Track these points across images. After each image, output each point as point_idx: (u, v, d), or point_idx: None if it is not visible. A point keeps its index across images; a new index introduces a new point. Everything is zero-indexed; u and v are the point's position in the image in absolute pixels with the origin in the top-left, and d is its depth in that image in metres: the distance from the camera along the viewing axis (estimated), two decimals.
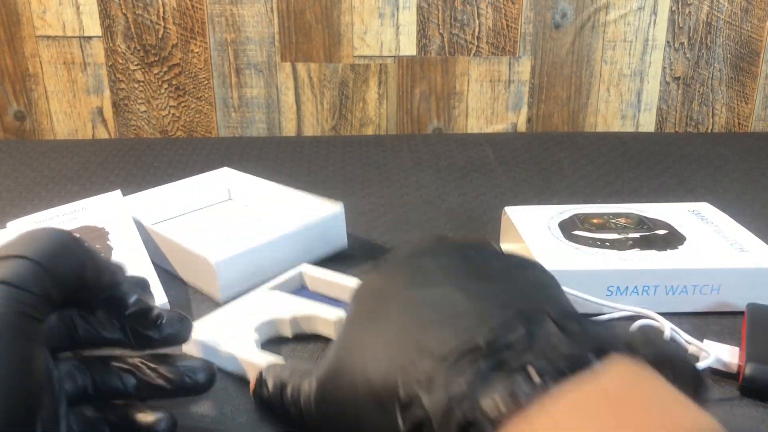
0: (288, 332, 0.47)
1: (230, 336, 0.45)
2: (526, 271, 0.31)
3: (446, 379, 0.24)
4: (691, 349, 0.45)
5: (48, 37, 0.92)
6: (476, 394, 0.23)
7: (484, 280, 0.29)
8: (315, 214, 0.59)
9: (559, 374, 0.22)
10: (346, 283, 0.51)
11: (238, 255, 0.54)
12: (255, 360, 0.42)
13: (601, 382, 0.23)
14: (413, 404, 0.24)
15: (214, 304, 0.54)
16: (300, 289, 0.54)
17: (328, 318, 0.46)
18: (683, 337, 0.48)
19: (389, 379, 0.26)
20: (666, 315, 0.49)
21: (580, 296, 0.51)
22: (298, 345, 0.47)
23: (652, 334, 0.25)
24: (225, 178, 0.72)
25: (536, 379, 0.22)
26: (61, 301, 0.31)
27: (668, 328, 0.48)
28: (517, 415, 0.22)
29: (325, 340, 0.47)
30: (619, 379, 0.23)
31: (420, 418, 0.24)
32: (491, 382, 0.23)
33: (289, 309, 0.48)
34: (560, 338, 0.24)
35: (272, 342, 0.47)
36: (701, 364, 0.46)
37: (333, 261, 0.60)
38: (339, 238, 0.61)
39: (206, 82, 0.95)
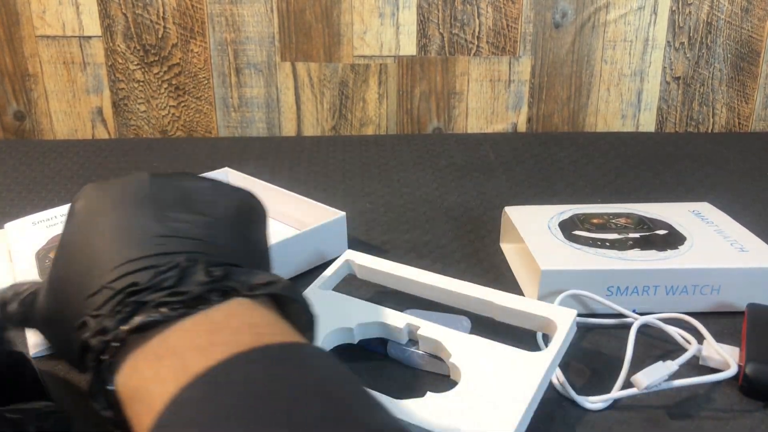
0: (354, 339, 0.47)
1: None
2: (233, 208, 0.37)
3: (109, 309, 0.30)
4: (691, 349, 0.45)
5: (48, 36, 0.92)
6: (117, 323, 0.30)
7: (188, 211, 0.35)
8: (317, 221, 0.59)
9: (185, 309, 0.30)
10: (395, 271, 0.51)
11: None
12: None
13: (211, 314, 0.30)
14: (84, 326, 0.31)
15: None
16: (348, 278, 0.54)
17: (392, 324, 0.46)
18: (715, 346, 0.48)
19: (81, 296, 0.32)
20: (666, 315, 0.49)
21: (609, 305, 0.51)
22: (364, 357, 0.47)
23: (283, 286, 0.33)
24: (225, 180, 0.72)
25: (162, 311, 0.30)
26: None
27: (704, 330, 0.48)
28: (141, 338, 0.29)
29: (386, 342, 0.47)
30: (227, 310, 0.30)
31: (84, 341, 0.31)
32: (134, 314, 0.30)
33: (351, 316, 0.47)
34: (199, 282, 0.31)
35: (337, 350, 0.47)
36: (701, 364, 0.46)
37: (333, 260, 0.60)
38: (339, 246, 0.60)
39: (206, 81, 0.95)
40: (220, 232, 0.35)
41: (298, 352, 0.28)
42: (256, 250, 0.38)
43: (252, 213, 0.39)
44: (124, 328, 0.30)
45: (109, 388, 0.30)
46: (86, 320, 0.31)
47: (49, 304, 0.35)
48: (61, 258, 0.35)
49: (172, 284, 0.31)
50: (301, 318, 0.34)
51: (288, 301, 0.34)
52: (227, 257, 0.34)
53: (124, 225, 0.34)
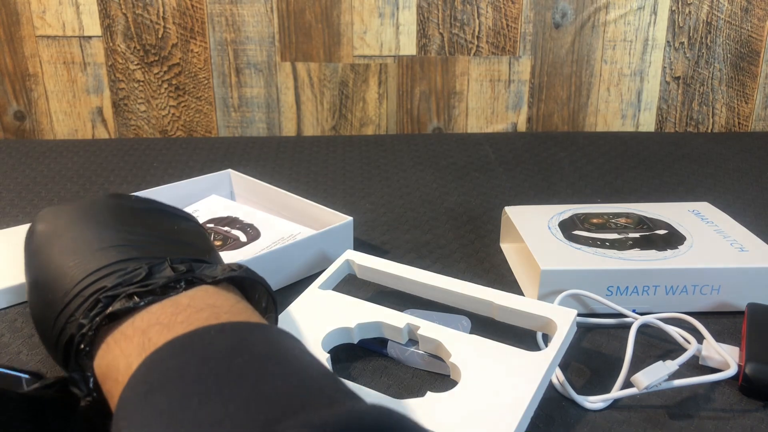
0: (354, 339, 0.47)
1: None
2: (177, 221, 0.42)
3: (84, 310, 0.34)
4: (691, 348, 0.45)
5: (48, 36, 0.92)
6: (92, 317, 0.33)
7: (144, 227, 0.39)
8: (323, 225, 0.59)
9: (153, 297, 0.33)
10: (395, 271, 0.51)
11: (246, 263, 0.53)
12: None
13: (176, 299, 0.33)
14: (63, 331, 0.34)
15: None
16: (348, 278, 0.54)
17: (392, 324, 0.46)
18: (714, 345, 0.48)
19: (65, 287, 0.35)
20: (666, 315, 0.49)
21: (611, 305, 0.51)
22: (364, 357, 0.47)
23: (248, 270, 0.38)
24: (228, 181, 0.72)
25: (134, 300, 0.33)
26: None
27: (704, 330, 0.48)
28: (114, 325, 0.33)
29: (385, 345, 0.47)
30: (191, 295, 0.34)
31: (67, 341, 0.34)
32: (107, 308, 0.33)
33: (351, 316, 0.47)
34: (166, 276, 0.34)
35: (337, 349, 0.47)
36: (701, 364, 0.46)
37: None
38: (346, 249, 0.60)
39: (206, 81, 0.95)
40: (176, 238, 0.40)
41: (261, 330, 0.31)
42: (209, 249, 0.42)
43: (197, 227, 0.44)
44: (98, 318, 0.33)
45: (88, 375, 0.34)
46: (65, 327, 0.34)
47: (33, 316, 0.38)
48: (31, 279, 0.38)
49: (139, 279, 0.34)
50: (264, 300, 0.39)
51: (250, 285, 0.38)
52: (188, 255, 0.38)
53: (87, 238, 0.37)
